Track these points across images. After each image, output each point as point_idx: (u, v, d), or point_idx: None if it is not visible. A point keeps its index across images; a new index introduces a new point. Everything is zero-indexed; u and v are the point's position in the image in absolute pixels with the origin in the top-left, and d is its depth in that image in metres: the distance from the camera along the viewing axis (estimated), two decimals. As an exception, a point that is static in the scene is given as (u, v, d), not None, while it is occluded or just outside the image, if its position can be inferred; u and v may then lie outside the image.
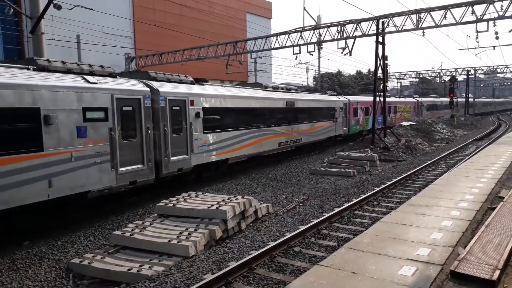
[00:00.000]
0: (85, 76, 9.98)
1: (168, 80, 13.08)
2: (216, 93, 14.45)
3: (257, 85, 19.58)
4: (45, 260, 8.10)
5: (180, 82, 13.51)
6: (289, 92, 20.88)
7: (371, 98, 26.49)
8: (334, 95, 27.90)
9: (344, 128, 26.99)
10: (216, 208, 8.97)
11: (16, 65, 9.03)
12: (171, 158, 12.06)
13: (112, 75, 11.07)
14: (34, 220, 9.18)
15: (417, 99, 46.42)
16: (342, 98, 27.69)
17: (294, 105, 20.09)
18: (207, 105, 13.78)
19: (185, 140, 12.73)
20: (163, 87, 12.08)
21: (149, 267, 7.05)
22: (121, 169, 10.38)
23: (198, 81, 14.59)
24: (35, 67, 9.26)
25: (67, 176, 9.05)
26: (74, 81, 9.53)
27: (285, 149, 19.83)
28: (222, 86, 16.61)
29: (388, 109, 34.10)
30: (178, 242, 7.72)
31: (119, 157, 10.27)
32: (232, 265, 6.75)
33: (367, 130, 28.85)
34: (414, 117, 41.13)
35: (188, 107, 12.83)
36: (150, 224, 8.86)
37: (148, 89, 11.45)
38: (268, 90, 19.12)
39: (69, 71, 9.93)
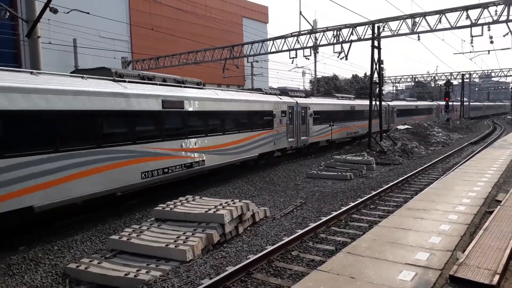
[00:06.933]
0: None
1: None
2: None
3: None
4: (41, 265, 8.02)
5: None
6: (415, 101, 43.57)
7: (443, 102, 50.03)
8: (430, 100, 56.72)
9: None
10: (214, 212, 8.94)
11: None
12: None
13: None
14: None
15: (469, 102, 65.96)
16: (435, 102, 53.77)
17: (416, 107, 42.53)
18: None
19: None
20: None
21: (146, 272, 7.00)
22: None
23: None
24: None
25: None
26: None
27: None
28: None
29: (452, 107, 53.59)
30: (175, 246, 7.68)
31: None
32: (230, 269, 6.72)
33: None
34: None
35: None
36: (148, 228, 8.81)
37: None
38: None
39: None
